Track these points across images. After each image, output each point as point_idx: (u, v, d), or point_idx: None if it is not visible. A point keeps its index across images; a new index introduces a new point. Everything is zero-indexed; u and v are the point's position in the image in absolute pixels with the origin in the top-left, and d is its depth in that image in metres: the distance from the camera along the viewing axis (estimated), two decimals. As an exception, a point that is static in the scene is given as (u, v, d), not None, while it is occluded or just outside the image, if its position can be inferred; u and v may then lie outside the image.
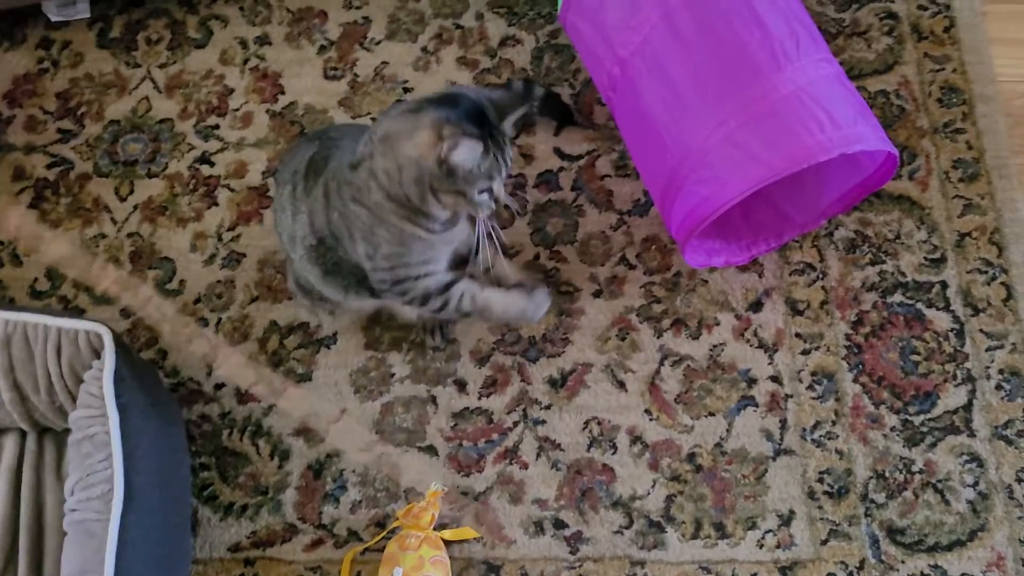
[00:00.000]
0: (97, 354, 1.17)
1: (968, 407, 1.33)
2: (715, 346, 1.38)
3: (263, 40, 1.62)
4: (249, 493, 1.33)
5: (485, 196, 1.09)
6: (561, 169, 1.51)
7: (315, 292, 1.26)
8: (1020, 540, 1.25)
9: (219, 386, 1.39)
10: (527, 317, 1.28)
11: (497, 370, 1.38)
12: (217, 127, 1.55)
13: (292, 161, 1.22)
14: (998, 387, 1.34)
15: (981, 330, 1.37)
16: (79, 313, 1.43)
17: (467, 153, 1.03)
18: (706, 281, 1.42)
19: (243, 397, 1.38)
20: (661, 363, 1.38)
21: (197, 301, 1.44)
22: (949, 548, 1.26)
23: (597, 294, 1.42)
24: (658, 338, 1.39)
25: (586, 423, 1.35)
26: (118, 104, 1.58)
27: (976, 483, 1.29)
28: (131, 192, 1.52)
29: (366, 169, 1.09)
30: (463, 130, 1.03)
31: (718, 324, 1.40)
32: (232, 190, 1.51)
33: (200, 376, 1.40)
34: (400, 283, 1.18)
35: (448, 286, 1.21)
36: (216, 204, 1.50)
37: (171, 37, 1.63)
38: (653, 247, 1.45)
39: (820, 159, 1.14)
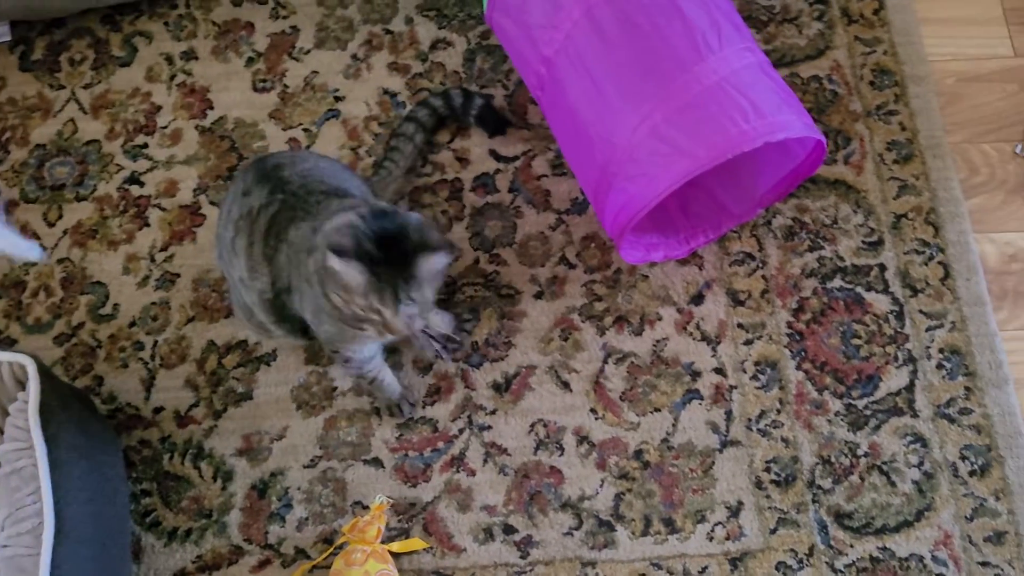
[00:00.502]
0: (22, 385, 1.15)
1: (910, 388, 1.33)
2: (658, 341, 1.38)
3: (189, 55, 1.59)
4: (193, 517, 1.30)
5: (368, 320, 1.06)
6: (497, 171, 1.49)
7: (257, 319, 1.24)
8: (966, 517, 1.26)
9: (158, 410, 1.36)
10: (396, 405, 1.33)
11: (440, 378, 1.37)
12: (146, 146, 1.53)
13: (242, 201, 1.16)
14: (939, 366, 1.34)
15: (920, 310, 1.38)
16: (11, 344, 1.40)
17: (344, 267, 0.99)
18: (647, 276, 1.42)
19: (183, 420, 1.35)
20: (605, 361, 1.37)
21: (132, 324, 1.41)
22: (896, 529, 1.26)
23: (538, 295, 1.41)
24: (601, 336, 1.39)
25: (532, 426, 1.34)
26: (43, 128, 1.55)
27: (921, 463, 1.29)
28: (60, 217, 1.48)
29: (314, 259, 1.06)
30: (353, 248, 1.00)
31: (660, 319, 1.39)
32: (163, 209, 1.48)
33: (138, 401, 1.37)
34: (334, 350, 1.21)
35: (371, 359, 1.24)
36: (147, 225, 1.47)
37: (95, 56, 1.60)
38: (592, 245, 1.44)
39: (745, 148, 1.13)
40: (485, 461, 1.32)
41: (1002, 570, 1.23)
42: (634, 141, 1.19)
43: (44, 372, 1.14)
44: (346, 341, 1.16)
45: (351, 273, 1.00)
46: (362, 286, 1.01)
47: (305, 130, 1.52)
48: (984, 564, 1.23)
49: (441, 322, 1.34)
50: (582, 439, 1.33)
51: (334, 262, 0.98)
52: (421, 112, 1.47)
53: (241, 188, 1.17)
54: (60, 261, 1.45)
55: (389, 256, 1.01)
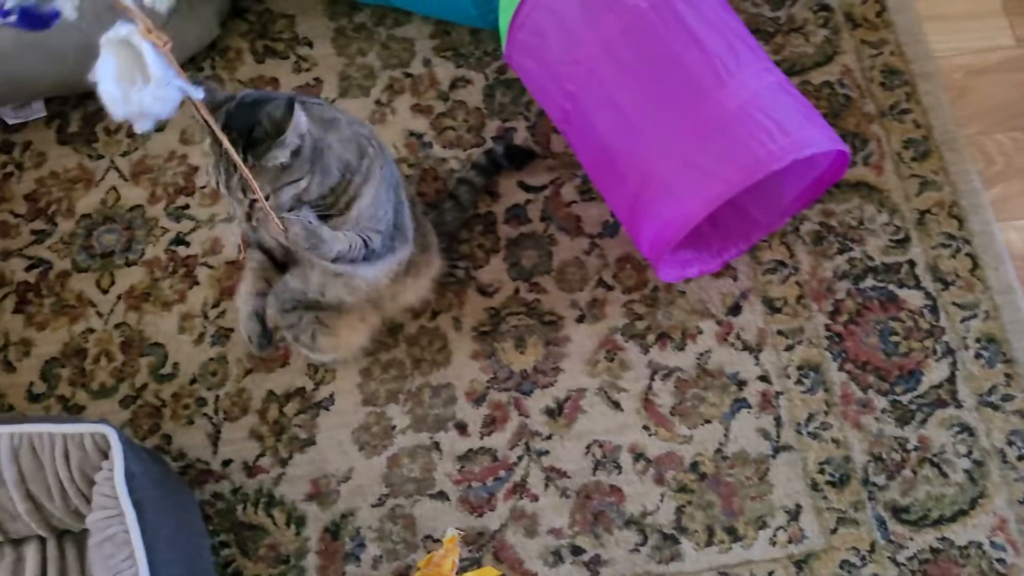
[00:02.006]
0: (104, 454, 1.19)
1: (952, 379, 1.37)
2: (701, 354, 1.42)
3: (220, 115, 1.64)
4: (272, 564, 1.35)
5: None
6: (528, 202, 1.54)
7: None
8: (1019, 501, 1.30)
9: (227, 462, 1.41)
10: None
11: (494, 408, 1.41)
12: (187, 207, 1.58)
13: None
14: (977, 356, 1.38)
15: (953, 303, 1.42)
16: (79, 411, 1.45)
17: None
18: (683, 292, 1.46)
19: (252, 470, 1.40)
20: (652, 378, 1.41)
21: (193, 382, 1.46)
22: (953, 519, 1.30)
23: (580, 319, 1.46)
24: (645, 354, 1.43)
25: (588, 447, 1.38)
26: (87, 198, 1.60)
27: (970, 452, 1.33)
28: (112, 283, 1.53)
29: None
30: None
31: (701, 332, 1.43)
32: (211, 267, 1.53)
33: (207, 455, 1.42)
34: None
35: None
36: (197, 283, 1.52)
37: (129, 124, 1.64)
38: (628, 266, 1.49)
39: (774, 168, 1.18)
40: (546, 485, 1.36)
41: (1058, 549, 1.27)
42: (666, 169, 1.23)
43: (124, 440, 1.19)
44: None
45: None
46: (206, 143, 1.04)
47: (339, 178, 1.57)
48: (1040, 545, 1.27)
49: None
50: (638, 456, 1.37)
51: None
52: (461, 188, 1.50)
53: None
54: (118, 326, 1.50)
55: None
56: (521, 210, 1.54)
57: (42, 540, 1.29)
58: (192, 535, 1.27)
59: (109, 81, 0.89)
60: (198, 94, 0.95)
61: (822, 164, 1.33)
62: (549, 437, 1.39)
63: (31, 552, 1.27)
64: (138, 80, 0.90)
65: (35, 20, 0.91)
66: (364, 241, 1.16)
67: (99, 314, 1.52)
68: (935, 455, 1.33)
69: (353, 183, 1.13)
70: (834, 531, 1.30)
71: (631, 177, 1.28)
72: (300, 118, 1.02)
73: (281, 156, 1.02)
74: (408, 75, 1.65)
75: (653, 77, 1.26)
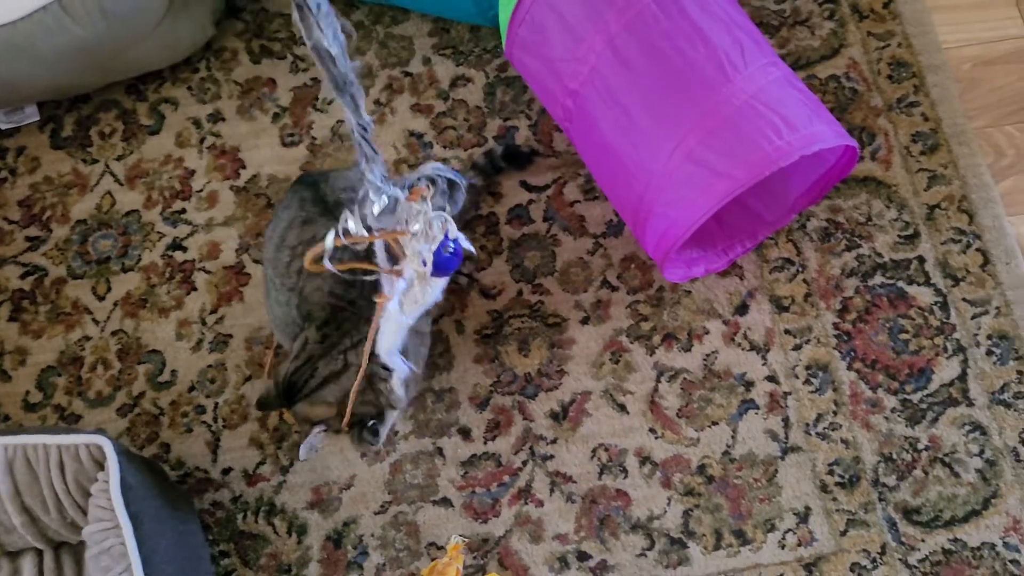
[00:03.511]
0: (100, 465, 1.17)
1: (963, 377, 1.35)
2: (708, 355, 1.40)
3: (216, 117, 1.62)
4: (273, 573, 1.33)
5: None
6: (531, 202, 1.52)
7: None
8: (1033, 501, 1.28)
9: (226, 471, 1.39)
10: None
11: (498, 412, 1.39)
12: (184, 211, 1.56)
13: (295, 232, 1.22)
14: (988, 353, 1.36)
15: (964, 299, 1.39)
16: (76, 420, 1.43)
17: None
18: (689, 292, 1.44)
19: (252, 478, 1.38)
20: (658, 380, 1.39)
21: (191, 389, 1.44)
22: (966, 520, 1.28)
23: (585, 321, 1.43)
24: (651, 355, 1.41)
25: (594, 451, 1.36)
26: (82, 203, 1.58)
27: (982, 451, 1.31)
28: (108, 290, 1.51)
29: None
30: None
31: (707, 333, 1.41)
32: (208, 272, 1.51)
33: (206, 464, 1.40)
34: None
35: None
36: (195, 289, 1.50)
37: (124, 128, 1.62)
38: (632, 266, 1.46)
39: (781, 164, 1.15)
40: (552, 490, 1.34)
41: (1074, 550, 1.24)
42: (670, 167, 1.21)
43: (120, 451, 1.17)
44: None
45: None
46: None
47: (337, 180, 1.55)
48: (1056, 546, 1.25)
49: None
50: (644, 459, 1.35)
51: None
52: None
53: (302, 217, 1.22)
54: (114, 333, 1.48)
55: None
56: (524, 210, 1.51)
57: (39, 553, 1.27)
58: (191, 545, 1.25)
59: None
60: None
61: (829, 160, 1.31)
62: (554, 441, 1.37)
63: (28, 565, 1.25)
64: None
65: (442, 267, 0.98)
66: None
67: (95, 321, 1.49)
68: (946, 455, 1.31)
69: None
70: (844, 533, 1.28)
71: (636, 176, 1.25)
72: None
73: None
74: (407, 74, 1.63)
75: (657, 73, 1.23)
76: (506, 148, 1.50)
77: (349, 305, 1.19)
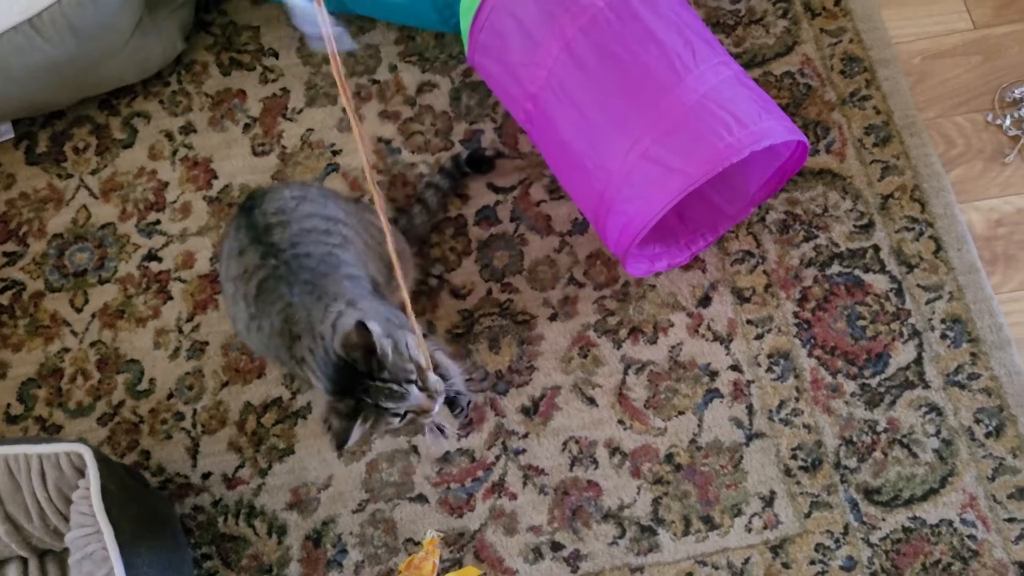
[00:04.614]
0: (81, 473, 1.20)
1: (919, 361, 1.39)
2: (673, 347, 1.44)
3: (188, 129, 1.65)
4: (255, 574, 1.36)
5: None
6: (497, 203, 1.55)
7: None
8: (988, 478, 1.32)
9: (206, 475, 1.42)
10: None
11: (471, 409, 1.42)
12: (158, 222, 1.58)
13: (234, 263, 1.23)
14: (943, 336, 1.40)
15: (918, 285, 1.44)
16: (57, 431, 1.45)
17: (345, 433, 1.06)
18: (654, 286, 1.48)
19: (231, 482, 1.41)
20: (625, 372, 1.43)
21: (170, 397, 1.47)
22: (924, 498, 1.32)
23: (553, 317, 1.47)
24: (618, 349, 1.44)
25: (564, 444, 1.40)
26: (57, 217, 1.60)
27: (938, 432, 1.35)
28: (86, 302, 1.54)
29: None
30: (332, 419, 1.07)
31: (672, 325, 1.45)
32: (184, 281, 1.54)
33: (186, 469, 1.43)
34: None
35: None
36: (171, 298, 1.53)
37: (97, 142, 1.65)
38: (598, 262, 1.50)
39: (732, 160, 1.19)
40: (524, 484, 1.38)
41: (1028, 523, 1.29)
42: (627, 165, 1.25)
43: (100, 458, 1.19)
44: None
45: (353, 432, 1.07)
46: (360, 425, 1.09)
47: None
48: (1011, 520, 1.30)
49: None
50: (614, 450, 1.38)
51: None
52: (428, 192, 1.52)
53: (237, 248, 1.23)
54: (93, 344, 1.51)
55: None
56: (491, 211, 1.55)
57: (24, 561, 1.30)
58: (172, 550, 1.28)
59: None
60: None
61: (784, 154, 1.35)
62: (525, 436, 1.41)
63: (13, 573, 1.28)
64: None
65: None
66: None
67: (74, 333, 1.52)
68: (904, 436, 1.35)
69: None
70: (808, 515, 1.32)
71: (594, 175, 1.29)
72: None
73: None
74: (375, 81, 1.66)
75: (612, 75, 1.27)
76: (470, 154, 1.54)
77: None
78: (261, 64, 1.69)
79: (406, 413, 1.08)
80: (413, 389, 1.07)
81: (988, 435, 1.34)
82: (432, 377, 1.11)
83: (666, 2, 1.31)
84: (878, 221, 1.48)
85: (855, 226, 1.48)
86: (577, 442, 1.39)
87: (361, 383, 1.06)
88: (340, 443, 1.05)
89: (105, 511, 1.15)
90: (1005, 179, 1.51)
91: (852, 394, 1.38)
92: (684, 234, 1.48)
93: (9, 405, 1.48)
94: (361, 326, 1.04)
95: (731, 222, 1.48)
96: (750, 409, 1.39)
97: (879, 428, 1.36)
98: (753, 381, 1.40)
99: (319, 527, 1.38)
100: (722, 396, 1.40)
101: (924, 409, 1.36)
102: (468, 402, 1.30)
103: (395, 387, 1.05)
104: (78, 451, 1.19)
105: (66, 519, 1.21)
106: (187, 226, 1.58)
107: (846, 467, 1.34)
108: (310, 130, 1.63)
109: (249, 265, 1.20)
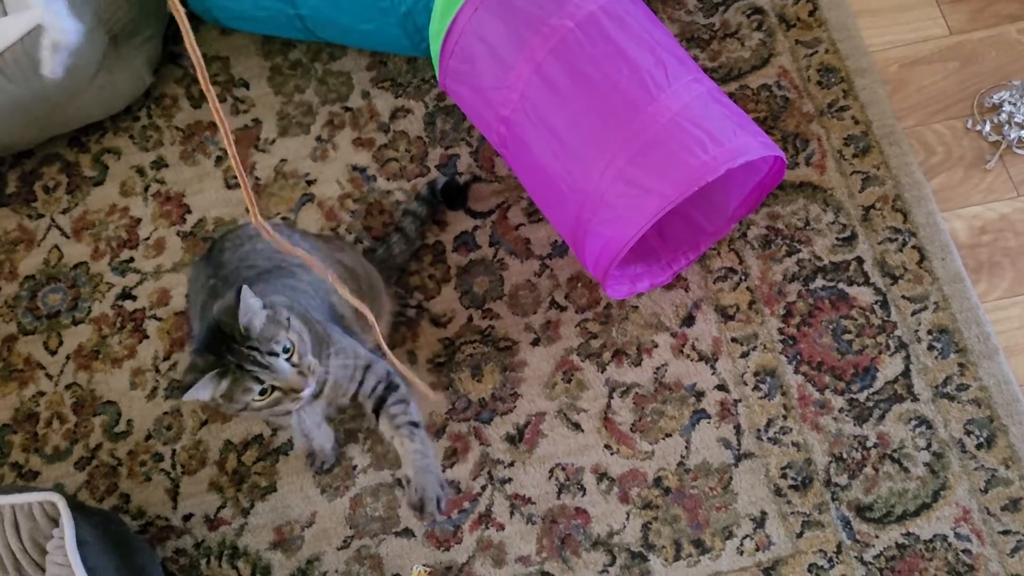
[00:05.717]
0: (55, 521, 1.17)
1: (906, 373, 1.38)
2: (658, 368, 1.42)
3: (159, 163, 1.63)
4: (239, 617, 1.33)
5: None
6: (476, 228, 1.53)
7: None
8: (980, 490, 1.30)
9: (187, 517, 1.39)
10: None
11: (455, 439, 1.40)
12: (132, 260, 1.56)
13: (199, 300, 1.22)
14: (930, 348, 1.39)
15: (903, 296, 1.42)
16: (34, 477, 1.42)
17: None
18: (636, 307, 1.46)
19: (213, 523, 1.38)
20: (610, 396, 1.41)
21: (148, 438, 1.44)
22: (917, 513, 1.30)
23: (535, 342, 1.45)
24: (602, 372, 1.42)
25: (551, 471, 1.37)
26: (29, 259, 1.58)
27: (929, 445, 1.33)
28: (60, 344, 1.51)
29: None
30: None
31: (656, 346, 1.43)
32: (159, 319, 1.51)
33: (167, 511, 1.40)
34: None
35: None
36: (147, 337, 1.50)
37: (68, 180, 1.63)
38: (579, 284, 1.48)
39: (708, 179, 1.17)
40: (512, 513, 1.35)
41: (1023, 535, 1.27)
42: (602, 187, 1.23)
43: (74, 506, 1.17)
44: None
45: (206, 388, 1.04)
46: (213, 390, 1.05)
47: (284, 218, 1.56)
48: (1005, 532, 1.28)
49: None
50: (601, 476, 1.36)
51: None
52: (406, 220, 1.50)
53: (205, 274, 1.22)
54: (68, 387, 1.48)
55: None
56: (469, 237, 1.53)
57: (1, 613, 1.26)
58: (153, 596, 1.25)
59: None
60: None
61: (763, 169, 1.33)
62: (511, 464, 1.38)
63: (-11, 628, 1.25)
64: None
65: None
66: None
67: (48, 376, 1.49)
68: (895, 451, 1.33)
69: None
70: (800, 535, 1.30)
71: (570, 198, 1.27)
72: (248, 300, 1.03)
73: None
74: (347, 109, 1.64)
75: (584, 96, 1.25)
76: (444, 186, 1.51)
77: None
78: (232, 95, 1.67)
79: (273, 389, 1.04)
80: (279, 361, 1.04)
81: (979, 446, 1.32)
82: (309, 358, 1.08)
83: (637, 21, 1.29)
84: (860, 233, 1.47)
85: (838, 239, 1.47)
86: (564, 469, 1.37)
87: (228, 345, 1.03)
88: (184, 389, 1.00)
89: (81, 561, 1.13)
90: (987, 185, 1.50)
91: (840, 410, 1.36)
92: (665, 253, 1.47)
93: (-16, 452, 1.45)
94: (239, 290, 1.01)
95: (712, 239, 1.47)
96: (738, 429, 1.37)
97: (869, 443, 1.34)
98: (740, 400, 1.38)
99: (304, 566, 1.35)
100: (709, 417, 1.38)
101: (914, 422, 1.35)
102: (437, 498, 1.18)
103: (258, 355, 1.02)
104: (51, 500, 1.17)
105: (42, 569, 1.18)
106: (161, 262, 1.55)
107: (837, 484, 1.32)
108: (283, 160, 1.61)
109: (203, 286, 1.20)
